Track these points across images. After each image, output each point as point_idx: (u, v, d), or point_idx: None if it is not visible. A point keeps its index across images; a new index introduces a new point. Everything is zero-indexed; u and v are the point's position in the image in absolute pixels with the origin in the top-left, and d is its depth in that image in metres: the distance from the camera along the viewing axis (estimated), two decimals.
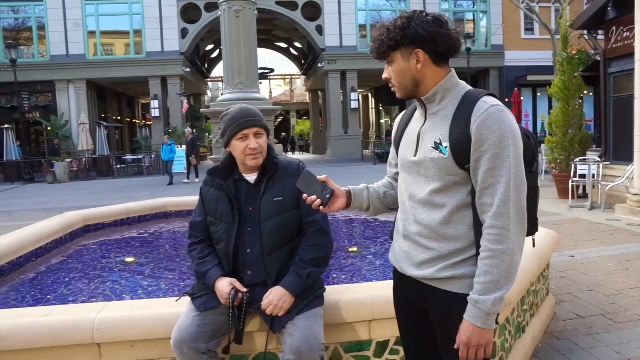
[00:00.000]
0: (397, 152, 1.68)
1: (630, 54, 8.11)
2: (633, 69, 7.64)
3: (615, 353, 2.97)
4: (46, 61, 20.94)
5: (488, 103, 1.41)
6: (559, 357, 2.95)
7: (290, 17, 22.17)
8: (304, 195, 1.64)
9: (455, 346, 1.45)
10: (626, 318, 3.50)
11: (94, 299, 3.04)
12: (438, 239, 1.49)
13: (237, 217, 2.06)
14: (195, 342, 1.91)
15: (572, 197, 8.62)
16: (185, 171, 15.97)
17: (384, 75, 1.55)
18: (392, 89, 1.56)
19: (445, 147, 1.44)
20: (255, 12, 4.59)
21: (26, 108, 20.79)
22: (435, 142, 1.46)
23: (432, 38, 1.43)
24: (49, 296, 3.11)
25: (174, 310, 2.11)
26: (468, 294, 1.43)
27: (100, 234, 4.86)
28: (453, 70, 1.52)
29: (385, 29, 1.47)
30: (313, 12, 22.53)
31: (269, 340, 2.09)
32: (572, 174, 8.78)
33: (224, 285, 1.97)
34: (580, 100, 9.81)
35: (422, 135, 1.52)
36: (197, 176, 15.13)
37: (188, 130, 16.40)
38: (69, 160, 18.42)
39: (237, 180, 2.12)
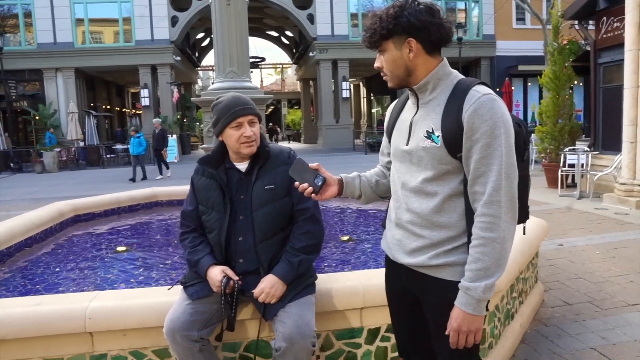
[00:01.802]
0: (389, 141, 1.69)
1: (621, 45, 8.15)
2: (623, 60, 7.69)
3: (601, 339, 3.03)
4: (34, 49, 20.59)
5: (480, 92, 1.41)
6: (546, 343, 3.00)
7: (282, 6, 21.96)
8: (296, 183, 1.64)
9: (446, 332, 1.47)
10: (612, 305, 3.56)
11: (85, 289, 3.03)
12: (430, 227, 1.50)
13: (228, 205, 2.05)
14: (188, 331, 1.91)
15: (562, 187, 8.71)
16: (175, 159, 15.54)
17: (376, 65, 1.55)
18: (384, 78, 1.56)
19: (438, 137, 1.45)
20: (247, 0, 4.55)
21: (14, 97, 20.45)
22: (427, 132, 1.47)
23: (425, 27, 1.43)
24: (39, 286, 3.10)
25: (166, 299, 2.12)
26: (459, 282, 1.44)
27: (91, 224, 4.84)
28: (445, 59, 1.52)
29: (377, 18, 1.47)
30: (305, 0, 22.35)
31: (262, 328, 2.10)
32: (561, 164, 8.86)
33: (216, 274, 1.97)
34: (570, 91, 9.88)
35: (415, 124, 1.53)
36: (165, 169, 13.85)
37: (157, 120, 14.81)
38: (58, 150, 18.22)
39: (228, 169, 2.11)
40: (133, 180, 13.02)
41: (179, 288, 2.12)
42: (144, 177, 13.33)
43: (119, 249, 3.94)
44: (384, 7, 1.50)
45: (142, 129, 21.62)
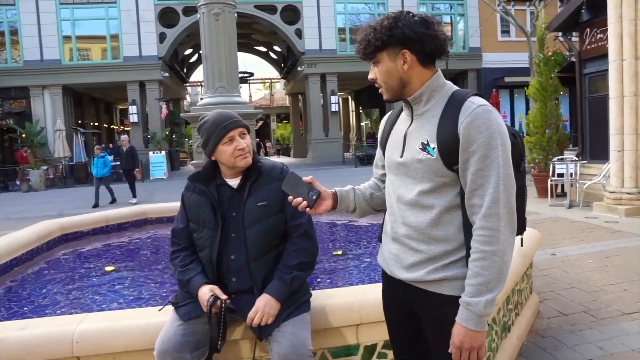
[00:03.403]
0: (383, 154, 1.66)
1: (605, 55, 8.30)
2: (607, 70, 7.82)
3: (599, 349, 3.01)
4: (20, 67, 20.43)
5: (475, 103, 1.39)
6: (544, 355, 2.97)
7: (270, 21, 22.11)
8: (290, 198, 1.60)
9: (449, 350, 1.43)
10: (608, 314, 3.55)
11: (73, 311, 2.95)
12: (427, 241, 1.48)
13: (220, 223, 2.01)
14: (180, 353, 1.85)
15: (551, 196, 8.77)
16: (164, 176, 14.84)
17: (370, 76, 1.53)
18: (379, 90, 1.54)
19: (433, 149, 1.42)
20: (235, 15, 4.54)
21: (0, 115, 20.30)
22: (422, 144, 1.45)
23: (419, 39, 1.42)
24: (25, 308, 3.01)
25: (157, 320, 2.05)
26: (458, 296, 1.41)
27: (79, 243, 4.74)
28: (439, 71, 1.51)
29: (372, 29, 1.46)
30: (292, 16, 22.53)
31: (256, 348, 2.04)
32: (550, 174, 8.93)
33: (205, 293, 1.92)
34: (556, 101, 10.01)
35: (409, 136, 1.51)
36: (134, 195, 12.07)
37: (125, 137, 12.92)
38: (45, 167, 18.00)
39: (219, 185, 2.07)
40: (96, 205, 11.34)
41: (170, 309, 2.06)
42: (113, 200, 11.76)
43: (108, 268, 3.85)
44: (374, 20, 1.49)
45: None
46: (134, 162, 12.16)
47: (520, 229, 1.56)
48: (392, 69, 1.47)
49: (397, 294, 1.62)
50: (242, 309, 1.95)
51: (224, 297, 1.92)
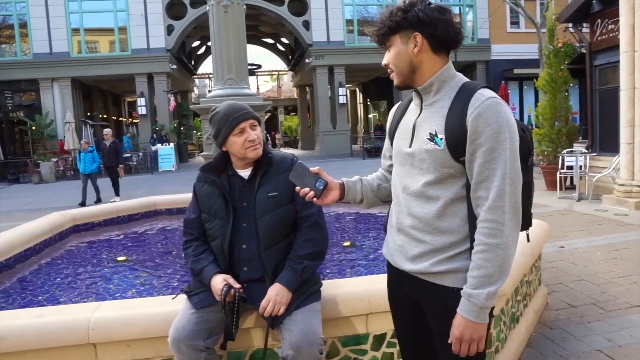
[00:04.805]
0: (391, 144, 1.67)
1: (616, 47, 8.20)
2: (618, 62, 7.73)
3: (607, 341, 3.01)
4: (29, 59, 20.57)
5: (485, 95, 1.40)
6: (552, 346, 2.98)
7: (277, 13, 22.04)
8: (297, 188, 1.62)
9: (449, 341, 1.44)
10: (616, 306, 3.55)
11: (86, 299, 3.00)
12: (432, 232, 1.48)
13: (231, 213, 2.04)
14: (194, 340, 1.89)
15: (560, 189, 8.72)
16: (173, 168, 14.72)
17: (384, 62, 1.55)
18: (391, 76, 1.55)
19: (441, 139, 1.43)
20: (244, 7, 4.55)
21: (10, 107, 20.49)
22: (430, 134, 1.45)
23: (432, 23, 1.44)
24: (40, 297, 3.07)
25: (170, 309, 2.10)
26: (462, 289, 1.42)
27: (90, 234, 4.81)
28: (450, 62, 1.51)
29: (388, 12, 1.48)
30: (300, 7, 22.43)
31: (268, 336, 2.08)
32: (559, 166, 8.87)
33: (218, 282, 1.95)
34: (566, 93, 9.92)
35: (418, 126, 1.51)
36: (117, 194, 11.11)
37: (108, 131, 11.65)
38: (55, 160, 18.15)
39: (230, 176, 2.10)
40: (83, 204, 10.39)
41: (183, 297, 2.10)
42: (98, 200, 10.90)
43: (119, 258, 3.91)
44: (379, 11, 1.51)
45: (140, 138, 21.78)
46: (117, 158, 11.22)
47: (526, 225, 1.56)
48: (403, 52, 1.48)
49: (402, 285, 1.62)
50: (254, 298, 1.99)
51: (237, 286, 1.96)
